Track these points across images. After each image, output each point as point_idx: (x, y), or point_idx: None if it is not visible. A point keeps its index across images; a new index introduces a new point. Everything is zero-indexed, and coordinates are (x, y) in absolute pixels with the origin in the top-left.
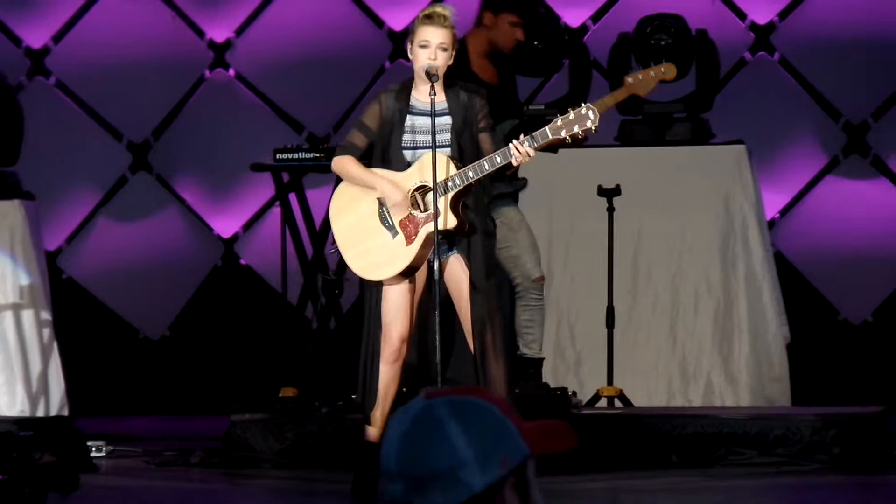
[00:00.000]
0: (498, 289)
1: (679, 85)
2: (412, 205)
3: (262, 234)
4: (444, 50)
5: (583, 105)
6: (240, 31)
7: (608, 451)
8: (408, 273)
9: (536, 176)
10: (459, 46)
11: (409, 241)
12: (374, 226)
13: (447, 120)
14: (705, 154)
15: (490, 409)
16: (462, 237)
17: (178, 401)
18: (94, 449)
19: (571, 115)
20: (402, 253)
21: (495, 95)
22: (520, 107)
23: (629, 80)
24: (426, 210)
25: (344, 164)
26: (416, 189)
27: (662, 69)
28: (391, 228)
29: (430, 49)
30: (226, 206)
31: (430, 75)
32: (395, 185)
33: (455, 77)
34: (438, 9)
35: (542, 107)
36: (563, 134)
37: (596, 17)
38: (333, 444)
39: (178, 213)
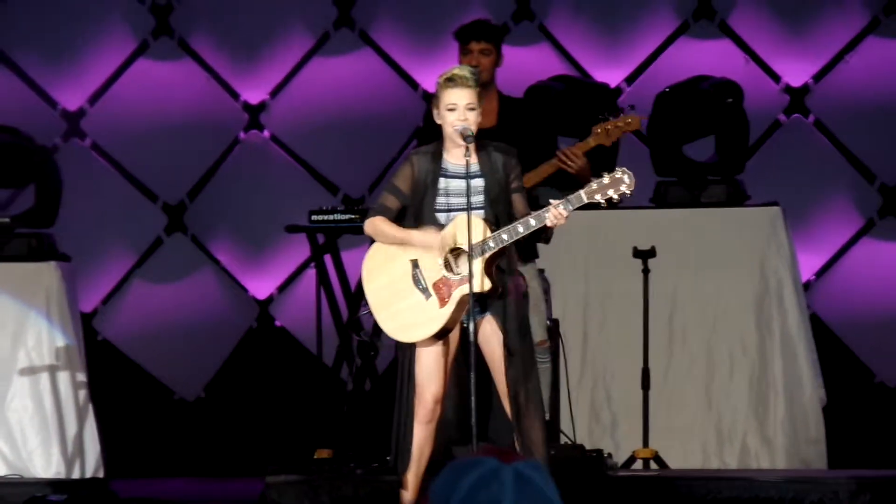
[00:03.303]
0: (531, 350)
1: (714, 147)
2: (446, 266)
3: (298, 295)
4: (472, 109)
5: (617, 169)
6: (274, 92)
7: None
8: (441, 335)
9: (571, 237)
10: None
11: (443, 303)
12: (406, 287)
13: (480, 182)
14: (740, 216)
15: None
16: (495, 300)
17: (214, 462)
18: None
19: (606, 178)
20: (436, 315)
21: (494, 138)
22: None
23: (597, 130)
24: (459, 272)
25: (376, 224)
26: (450, 251)
27: (628, 120)
28: (424, 290)
29: (459, 111)
30: (261, 267)
31: (465, 137)
32: (430, 232)
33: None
34: (457, 70)
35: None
36: (598, 198)
37: (630, 79)
38: None
39: (213, 275)
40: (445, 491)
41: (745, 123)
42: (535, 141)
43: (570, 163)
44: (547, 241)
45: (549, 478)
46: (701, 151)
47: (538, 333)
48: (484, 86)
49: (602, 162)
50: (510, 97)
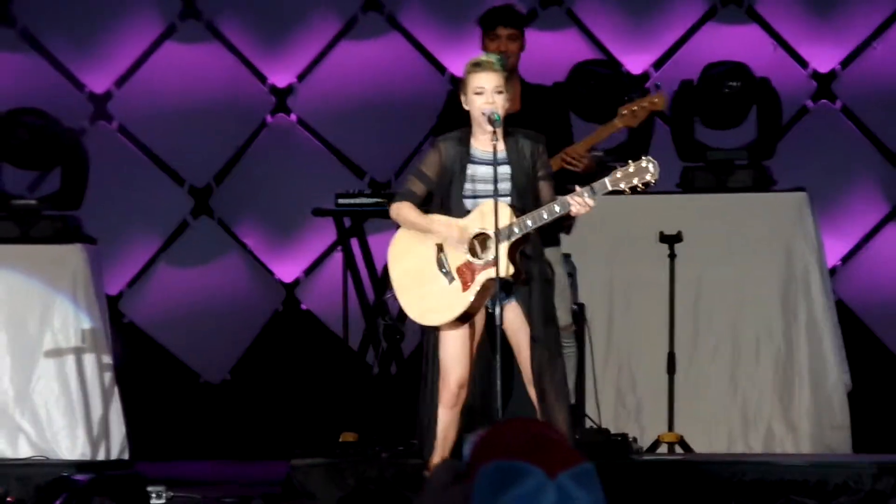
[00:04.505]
0: (556, 336)
1: (741, 132)
2: (470, 251)
3: (324, 279)
4: (500, 93)
5: (643, 158)
6: (302, 76)
7: (668, 498)
8: (464, 319)
9: (597, 222)
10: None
11: (466, 287)
12: (431, 272)
13: (506, 168)
14: (767, 201)
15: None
16: (519, 285)
17: (239, 445)
18: (153, 494)
19: (631, 167)
20: (458, 299)
21: (517, 124)
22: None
23: (623, 111)
24: (484, 257)
25: (401, 209)
26: (475, 236)
27: (654, 100)
28: (448, 274)
29: (486, 94)
30: (287, 250)
31: (493, 121)
32: (452, 225)
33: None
34: (484, 56)
35: (602, 153)
36: (622, 186)
37: (658, 64)
38: (394, 489)
39: (239, 258)
40: (486, 498)
41: (779, 107)
42: (557, 128)
43: (575, 163)
44: (568, 230)
45: (595, 484)
46: (734, 137)
47: (563, 319)
48: (510, 72)
49: (636, 146)
50: (533, 84)
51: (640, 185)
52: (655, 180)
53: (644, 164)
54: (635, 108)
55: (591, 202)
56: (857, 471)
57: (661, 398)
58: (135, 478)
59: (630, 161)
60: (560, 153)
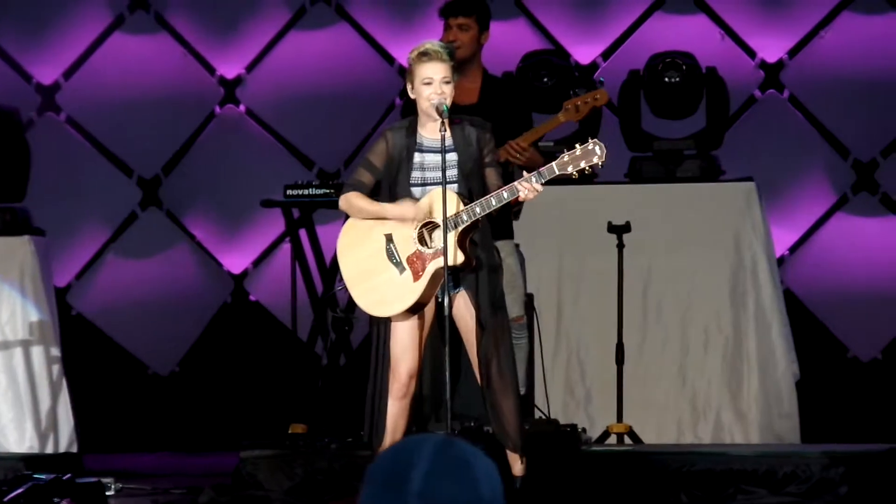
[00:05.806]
0: (504, 323)
1: (689, 122)
2: (419, 241)
3: (272, 270)
4: (448, 83)
5: (589, 140)
6: (250, 67)
7: (618, 489)
8: (415, 309)
9: (546, 212)
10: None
11: (417, 277)
12: (381, 262)
13: (453, 156)
14: (715, 191)
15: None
16: (468, 273)
17: (188, 437)
18: None
19: (578, 150)
20: (410, 289)
21: (473, 115)
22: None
23: (567, 105)
24: (433, 246)
25: (350, 199)
26: (424, 225)
27: (596, 96)
28: (398, 265)
29: (435, 85)
30: (236, 242)
31: (441, 112)
32: (405, 206)
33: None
34: (429, 45)
35: (552, 143)
36: (570, 169)
37: (606, 55)
38: (343, 480)
39: (187, 250)
40: (406, 464)
41: (726, 97)
42: (516, 120)
43: (517, 156)
44: (517, 216)
45: (482, 455)
46: (682, 127)
47: (514, 310)
48: (464, 62)
49: (585, 136)
50: (493, 76)
51: (587, 168)
52: (603, 162)
53: (591, 146)
54: (579, 102)
55: (538, 187)
56: (806, 460)
57: (610, 389)
58: (96, 487)
59: (577, 144)
60: (504, 146)
